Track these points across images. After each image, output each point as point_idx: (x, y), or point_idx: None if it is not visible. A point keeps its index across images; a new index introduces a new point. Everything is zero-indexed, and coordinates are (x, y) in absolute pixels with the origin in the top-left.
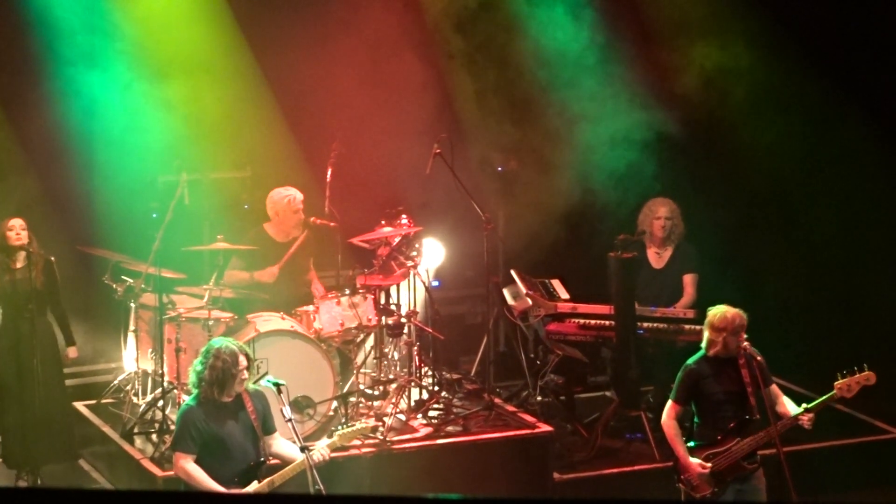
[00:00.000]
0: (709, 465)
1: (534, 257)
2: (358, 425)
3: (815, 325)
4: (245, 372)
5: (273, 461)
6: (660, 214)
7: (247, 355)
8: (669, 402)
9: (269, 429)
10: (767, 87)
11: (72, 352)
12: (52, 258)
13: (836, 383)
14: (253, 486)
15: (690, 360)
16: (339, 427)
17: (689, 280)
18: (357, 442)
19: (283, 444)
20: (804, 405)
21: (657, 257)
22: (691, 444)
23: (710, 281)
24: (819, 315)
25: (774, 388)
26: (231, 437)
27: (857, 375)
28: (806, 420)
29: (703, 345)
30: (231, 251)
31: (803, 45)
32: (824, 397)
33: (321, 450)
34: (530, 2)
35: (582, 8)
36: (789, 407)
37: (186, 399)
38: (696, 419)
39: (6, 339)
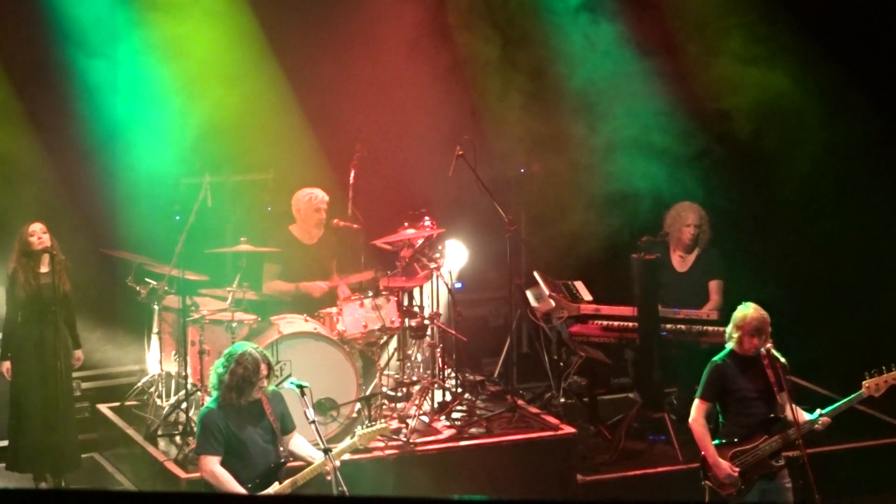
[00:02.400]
0: (738, 468)
1: (557, 259)
2: (378, 425)
3: (837, 328)
4: (265, 380)
5: (293, 463)
6: (689, 221)
7: (268, 363)
8: (696, 401)
9: (286, 428)
10: (802, 100)
11: (78, 354)
12: (69, 263)
13: (864, 382)
14: (274, 488)
15: (717, 357)
16: (360, 428)
17: (714, 286)
18: (380, 444)
19: (299, 443)
20: (819, 410)
21: (681, 261)
22: (716, 441)
23: (733, 282)
24: (841, 318)
25: (785, 395)
26: (251, 439)
27: (886, 374)
28: (821, 425)
29: (727, 337)
30: (261, 258)
31: (841, 59)
32: (851, 396)
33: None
34: (560, 7)
35: (613, 15)
36: (799, 415)
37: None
38: (720, 417)
39: (29, 342)
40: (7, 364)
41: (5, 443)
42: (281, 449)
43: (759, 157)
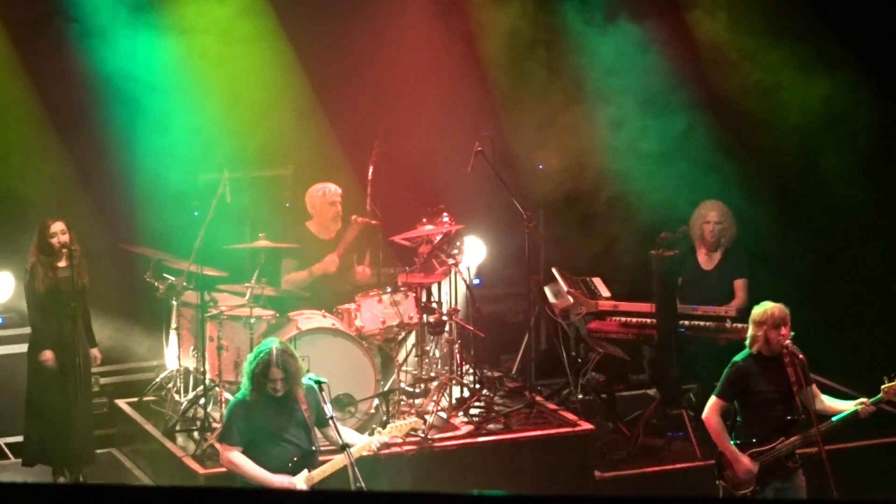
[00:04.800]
0: (757, 467)
1: (575, 255)
2: (409, 420)
3: (863, 326)
4: (280, 382)
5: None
6: (709, 219)
7: (284, 367)
8: (713, 398)
9: (325, 422)
10: (826, 102)
11: (95, 352)
12: (85, 260)
13: (883, 387)
14: (303, 475)
15: (738, 357)
16: (390, 422)
17: (739, 284)
18: (398, 440)
19: (343, 431)
20: (855, 403)
21: (707, 259)
22: (733, 441)
23: (761, 281)
24: (867, 315)
25: (814, 387)
26: (281, 428)
27: None
28: (862, 413)
29: (747, 342)
30: (279, 254)
31: (872, 68)
32: (871, 400)
33: (377, 439)
34: (586, 5)
35: (637, 16)
36: (829, 404)
37: (230, 398)
38: (738, 417)
39: (49, 337)
40: (47, 353)
41: (20, 438)
42: (316, 438)
43: (788, 160)
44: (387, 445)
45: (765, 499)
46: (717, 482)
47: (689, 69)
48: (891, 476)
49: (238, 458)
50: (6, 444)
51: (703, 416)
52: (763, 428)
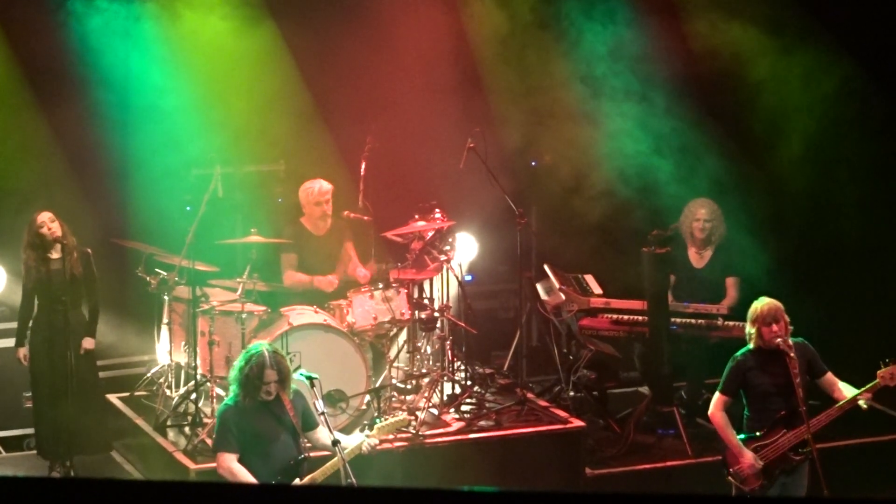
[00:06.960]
0: (761, 462)
1: (567, 252)
2: (398, 416)
3: (855, 315)
4: (274, 385)
5: (317, 454)
6: (699, 217)
7: (278, 368)
8: (717, 394)
9: (310, 425)
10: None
11: (87, 342)
12: (89, 250)
13: (879, 371)
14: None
15: (738, 353)
16: (378, 420)
17: (731, 282)
18: (389, 436)
19: (327, 435)
20: (854, 391)
21: (698, 257)
22: (740, 436)
23: (752, 276)
24: (859, 305)
25: (829, 376)
26: (270, 434)
27: None
28: (862, 401)
29: (747, 338)
30: (271, 250)
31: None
32: (867, 387)
33: (368, 441)
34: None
35: (631, 15)
36: (847, 392)
37: (222, 393)
38: (745, 411)
39: (40, 331)
40: (23, 350)
41: (13, 432)
42: (305, 445)
43: (776, 155)
44: (378, 444)
45: (760, 497)
46: (727, 479)
47: (686, 67)
48: (882, 475)
49: (239, 470)
50: None
51: (709, 412)
52: (766, 421)
